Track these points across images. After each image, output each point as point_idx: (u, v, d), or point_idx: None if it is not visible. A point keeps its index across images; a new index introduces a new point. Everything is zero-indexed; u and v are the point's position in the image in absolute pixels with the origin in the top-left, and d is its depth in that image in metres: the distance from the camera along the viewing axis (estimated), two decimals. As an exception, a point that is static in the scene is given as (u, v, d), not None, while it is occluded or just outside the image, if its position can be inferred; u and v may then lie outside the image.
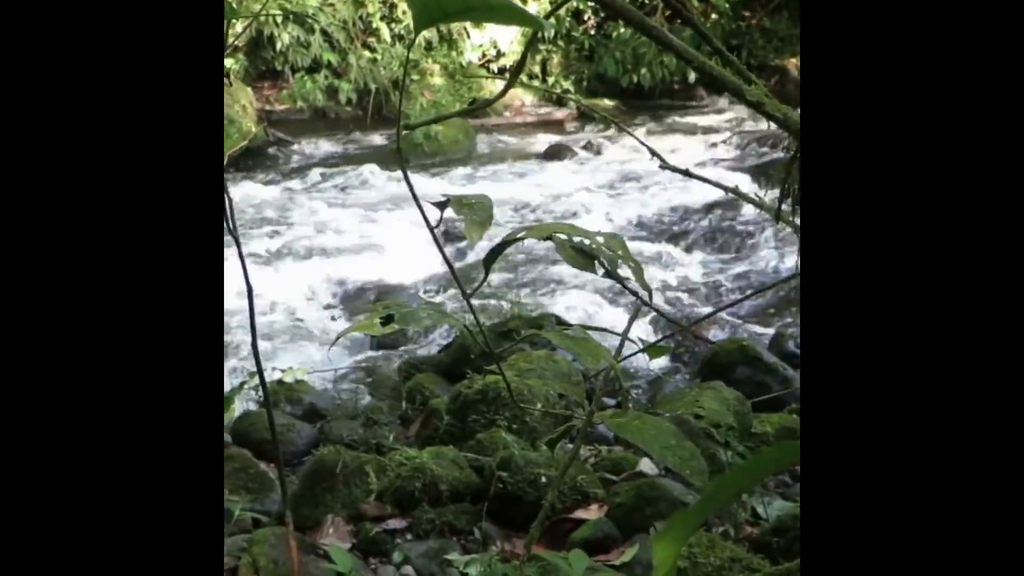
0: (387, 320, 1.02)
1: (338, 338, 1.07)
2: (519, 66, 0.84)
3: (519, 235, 0.82)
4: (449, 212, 0.91)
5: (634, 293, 0.85)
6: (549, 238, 0.80)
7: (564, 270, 4.89)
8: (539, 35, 10.67)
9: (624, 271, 0.90)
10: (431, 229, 0.83)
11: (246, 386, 3.69)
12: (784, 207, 1.02)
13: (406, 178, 0.79)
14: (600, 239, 0.80)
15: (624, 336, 1.59)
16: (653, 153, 1.64)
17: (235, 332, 4.36)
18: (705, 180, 1.37)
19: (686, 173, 1.54)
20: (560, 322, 3.68)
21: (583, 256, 0.78)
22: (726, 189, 1.21)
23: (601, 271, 0.81)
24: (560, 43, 10.76)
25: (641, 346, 1.87)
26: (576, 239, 0.79)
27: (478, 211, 0.80)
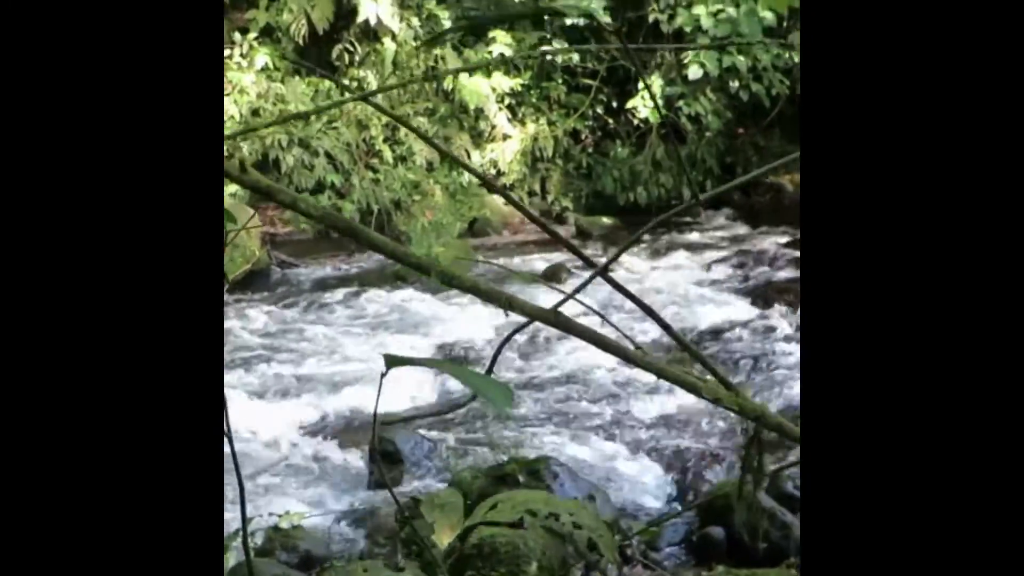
0: None
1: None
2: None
3: (489, 514, 0.83)
4: None
5: (600, 556, 0.86)
6: (521, 519, 0.82)
7: (561, 404, 4.90)
8: (539, 154, 10.91)
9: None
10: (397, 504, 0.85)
11: (239, 534, 3.67)
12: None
13: (383, 478, 0.81)
14: (571, 515, 0.82)
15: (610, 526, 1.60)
16: (635, 300, 1.66)
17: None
18: (677, 338, 1.39)
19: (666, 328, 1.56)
20: (552, 469, 3.65)
21: (555, 536, 0.79)
22: (700, 358, 1.22)
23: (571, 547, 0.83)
24: (559, 161, 10.99)
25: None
26: (547, 513, 0.81)
27: (448, 512, 0.82)
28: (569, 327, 0.77)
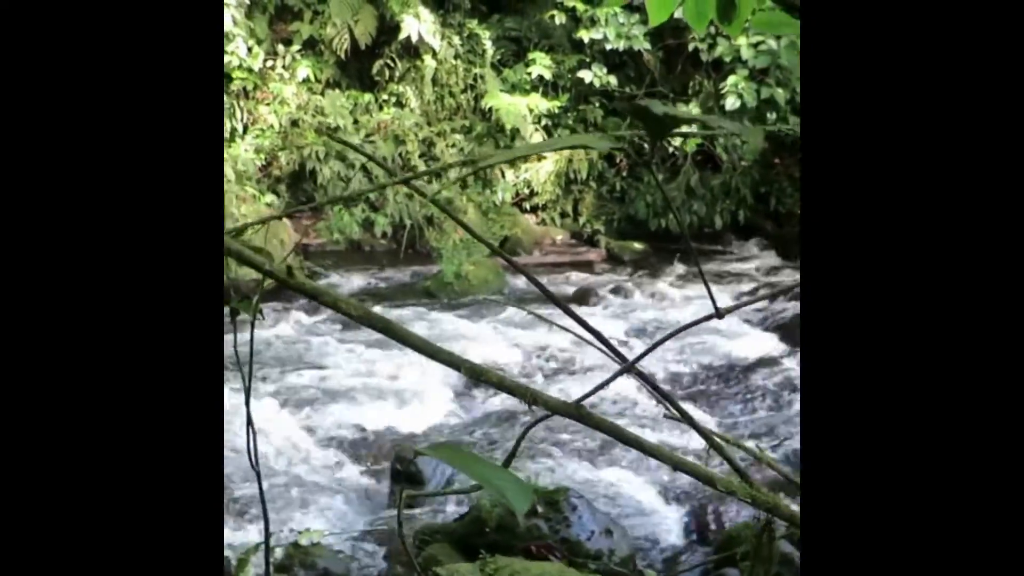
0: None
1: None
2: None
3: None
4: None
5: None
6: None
7: (582, 434, 4.91)
8: (573, 176, 10.96)
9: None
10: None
11: (259, 549, 3.73)
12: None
13: (406, 550, 0.85)
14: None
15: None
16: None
17: (244, 485, 4.40)
18: (699, 430, 1.41)
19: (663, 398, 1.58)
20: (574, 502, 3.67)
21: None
22: (719, 449, 1.24)
23: None
24: (592, 184, 11.03)
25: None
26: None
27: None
28: (592, 421, 0.81)
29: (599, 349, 1.19)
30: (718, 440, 0.94)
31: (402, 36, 10.28)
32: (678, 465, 0.84)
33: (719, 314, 0.83)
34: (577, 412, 0.80)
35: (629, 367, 0.85)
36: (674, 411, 1.01)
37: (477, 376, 0.80)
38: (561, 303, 0.92)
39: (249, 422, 1.80)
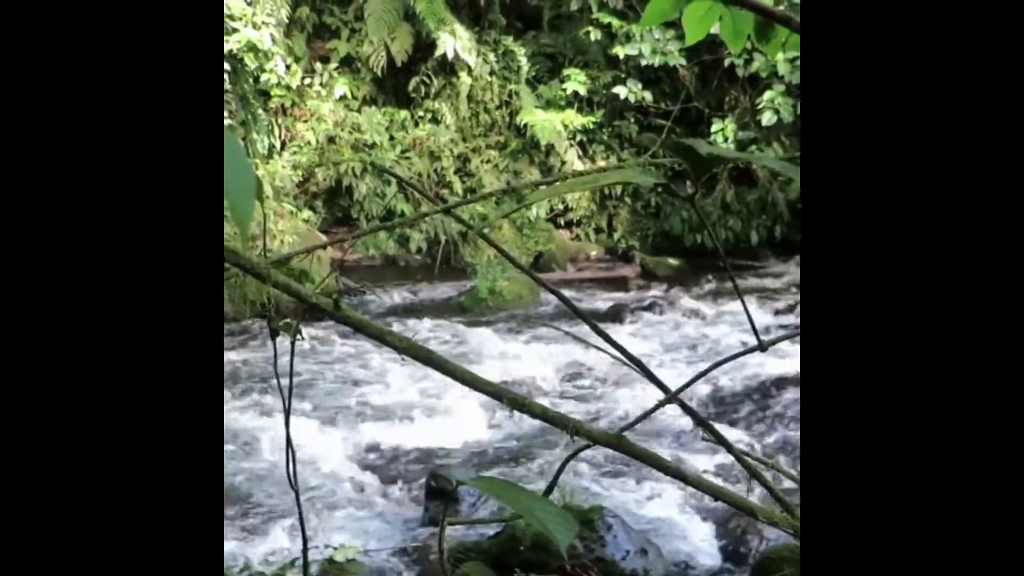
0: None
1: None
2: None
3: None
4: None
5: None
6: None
7: (622, 458, 4.89)
8: (608, 192, 10.95)
9: None
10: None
11: (295, 563, 3.76)
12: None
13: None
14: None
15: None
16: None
17: (281, 501, 4.43)
18: (743, 461, 1.40)
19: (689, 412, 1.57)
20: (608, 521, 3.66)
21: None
22: (761, 479, 1.24)
23: None
24: (627, 200, 11.02)
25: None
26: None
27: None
28: (634, 452, 0.81)
29: (636, 371, 1.20)
30: (758, 466, 0.94)
31: (438, 53, 10.36)
32: (719, 496, 0.84)
33: (762, 347, 0.82)
34: (619, 443, 0.80)
35: (672, 398, 0.85)
36: (715, 438, 1.01)
37: (519, 407, 0.81)
38: (600, 329, 0.93)
39: (288, 443, 1.82)
